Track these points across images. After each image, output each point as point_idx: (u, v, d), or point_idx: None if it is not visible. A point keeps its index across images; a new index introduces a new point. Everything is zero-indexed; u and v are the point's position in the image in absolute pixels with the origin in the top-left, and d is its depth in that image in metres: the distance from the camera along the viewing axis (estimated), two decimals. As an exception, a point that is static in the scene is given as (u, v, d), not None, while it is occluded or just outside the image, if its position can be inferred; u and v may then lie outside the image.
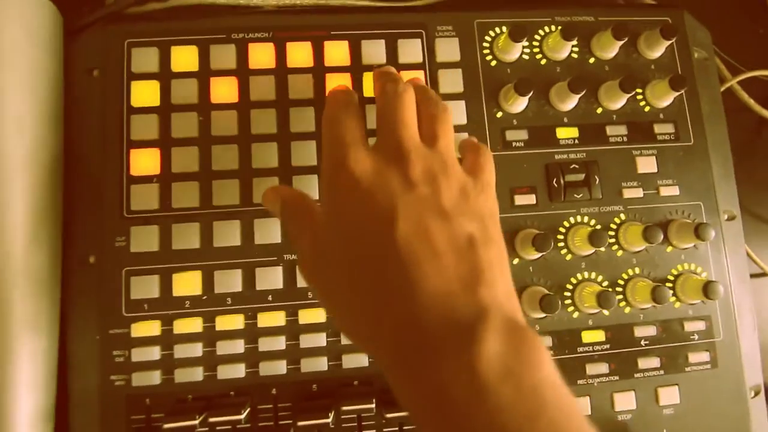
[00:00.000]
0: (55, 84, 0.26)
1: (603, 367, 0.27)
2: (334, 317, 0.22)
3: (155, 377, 0.25)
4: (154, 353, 0.25)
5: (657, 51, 0.30)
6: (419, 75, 0.28)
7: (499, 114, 0.28)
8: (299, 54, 0.28)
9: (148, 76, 0.27)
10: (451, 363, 0.15)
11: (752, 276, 0.31)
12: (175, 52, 0.27)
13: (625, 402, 0.27)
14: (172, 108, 0.27)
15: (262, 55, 0.27)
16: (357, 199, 0.19)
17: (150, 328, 0.25)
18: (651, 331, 0.27)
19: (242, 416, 0.24)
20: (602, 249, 0.28)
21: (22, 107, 0.24)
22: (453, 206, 0.19)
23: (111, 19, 0.28)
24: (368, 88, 0.28)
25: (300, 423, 0.23)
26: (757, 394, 0.28)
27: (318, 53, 0.28)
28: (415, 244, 0.17)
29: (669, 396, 0.27)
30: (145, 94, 0.27)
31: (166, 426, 0.23)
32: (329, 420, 0.24)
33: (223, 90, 0.27)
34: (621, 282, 0.28)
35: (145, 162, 0.26)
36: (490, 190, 0.22)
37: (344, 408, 0.24)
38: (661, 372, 0.27)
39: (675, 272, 0.28)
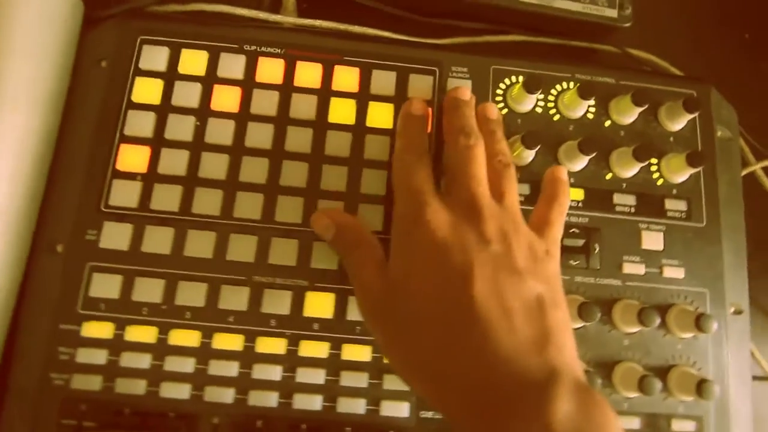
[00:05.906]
0: (62, 69, 0.26)
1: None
2: (394, 363, 0.21)
3: (96, 382, 0.23)
4: (100, 357, 0.23)
5: (678, 123, 0.28)
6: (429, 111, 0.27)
7: (503, 164, 0.27)
8: (308, 74, 0.27)
9: (154, 74, 0.26)
10: (525, 423, 0.16)
11: (755, 378, 0.28)
12: (184, 54, 0.27)
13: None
14: (171, 109, 0.26)
15: (271, 70, 0.27)
16: (433, 253, 0.19)
17: (101, 329, 0.24)
18: (634, 423, 0.25)
19: (175, 442, 0.22)
20: (591, 324, 0.26)
21: (20, 88, 0.24)
22: (524, 266, 0.20)
23: (130, 14, 0.28)
24: (372, 118, 0.27)
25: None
26: None
27: (327, 76, 0.27)
28: (491, 303, 0.18)
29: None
30: (147, 91, 0.26)
31: (94, 438, 0.22)
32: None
33: (226, 99, 0.26)
34: (608, 363, 0.26)
35: (133, 158, 0.26)
36: (556, 250, 0.22)
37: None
38: (640, 471, 0.25)
39: (669, 363, 0.26)
